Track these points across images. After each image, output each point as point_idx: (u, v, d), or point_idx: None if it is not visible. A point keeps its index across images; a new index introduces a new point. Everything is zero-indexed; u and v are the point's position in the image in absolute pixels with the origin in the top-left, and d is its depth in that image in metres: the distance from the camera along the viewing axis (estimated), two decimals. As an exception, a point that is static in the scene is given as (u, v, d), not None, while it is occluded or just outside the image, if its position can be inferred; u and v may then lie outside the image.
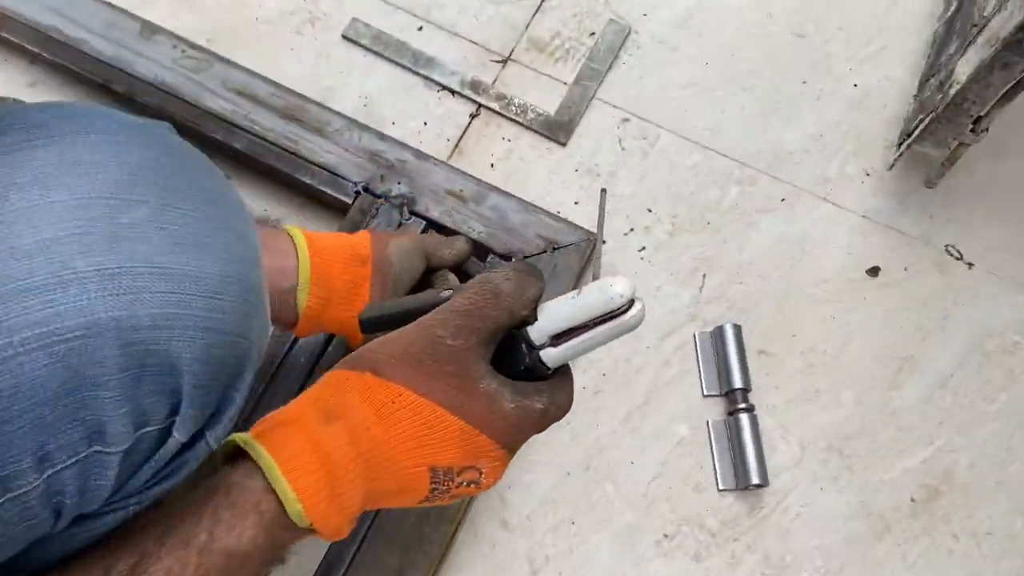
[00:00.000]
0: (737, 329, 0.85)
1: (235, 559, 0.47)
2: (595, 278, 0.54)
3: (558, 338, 0.53)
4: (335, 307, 0.68)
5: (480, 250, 0.82)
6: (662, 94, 0.97)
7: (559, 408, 0.56)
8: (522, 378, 0.54)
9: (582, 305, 0.53)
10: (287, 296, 0.66)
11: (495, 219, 0.84)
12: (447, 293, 0.55)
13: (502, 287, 0.53)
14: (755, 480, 0.79)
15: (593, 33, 1.00)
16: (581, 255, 0.83)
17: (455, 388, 0.52)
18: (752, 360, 0.85)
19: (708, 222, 0.91)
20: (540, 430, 0.55)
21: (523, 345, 0.54)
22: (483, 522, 0.77)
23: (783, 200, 0.93)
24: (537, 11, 1.00)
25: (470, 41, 0.98)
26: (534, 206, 0.85)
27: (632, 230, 0.90)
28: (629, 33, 1.00)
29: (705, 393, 0.84)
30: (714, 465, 0.81)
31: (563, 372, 0.57)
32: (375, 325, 0.60)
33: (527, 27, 0.99)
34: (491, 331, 0.53)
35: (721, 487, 0.80)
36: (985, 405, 0.85)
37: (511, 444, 0.54)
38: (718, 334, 0.85)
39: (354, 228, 0.82)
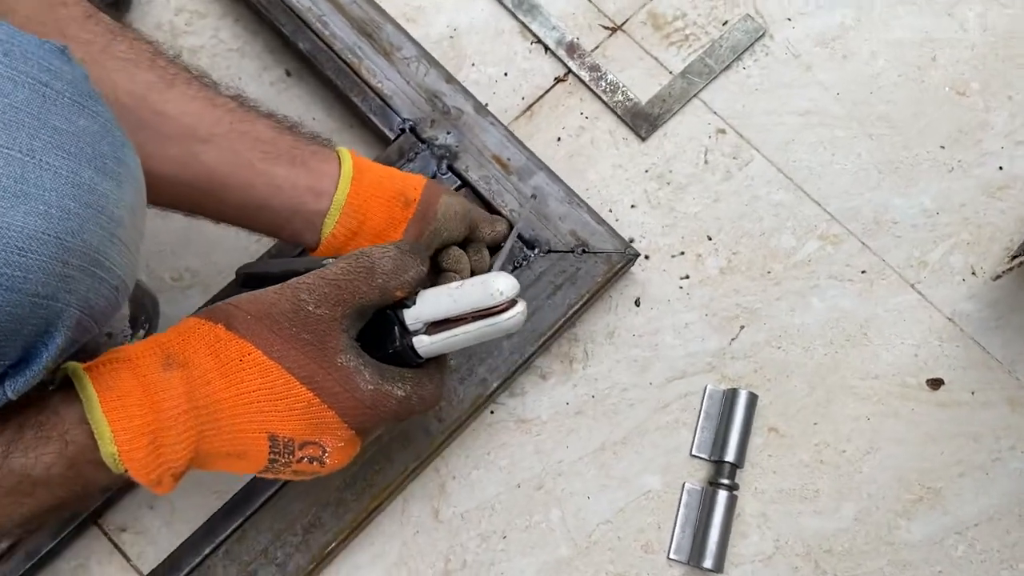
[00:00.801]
0: (752, 399, 0.77)
1: (26, 482, 0.46)
2: (490, 270, 0.52)
3: (434, 327, 0.53)
4: (362, 240, 0.65)
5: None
6: (773, 115, 0.86)
7: (422, 400, 0.54)
8: (390, 362, 0.53)
9: (461, 296, 0.53)
10: (314, 218, 0.63)
11: (532, 201, 0.77)
12: (328, 261, 0.53)
13: (379, 263, 0.52)
14: (708, 564, 0.72)
15: (726, 22, 0.89)
16: (609, 267, 0.76)
17: (309, 357, 0.50)
18: (759, 435, 0.77)
19: (769, 271, 0.82)
20: (398, 419, 0.53)
21: (396, 327, 0.53)
22: (416, 503, 0.74)
23: (863, 272, 0.82)
24: (671, -17, 0.90)
25: (585, -2, 0.90)
26: (579, 199, 0.78)
27: (682, 254, 0.82)
28: (762, 36, 0.88)
29: (693, 452, 0.77)
30: (673, 530, 0.75)
31: (437, 364, 0.56)
32: (252, 282, 0.57)
33: (652, -1, 0.90)
34: (359, 306, 0.52)
35: (672, 556, 0.74)
36: (1000, 568, 0.75)
37: (362, 426, 0.52)
38: (730, 396, 0.77)
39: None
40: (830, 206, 0.84)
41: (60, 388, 0.48)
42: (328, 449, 0.52)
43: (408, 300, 0.54)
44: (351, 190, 0.62)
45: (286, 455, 0.51)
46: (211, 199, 0.60)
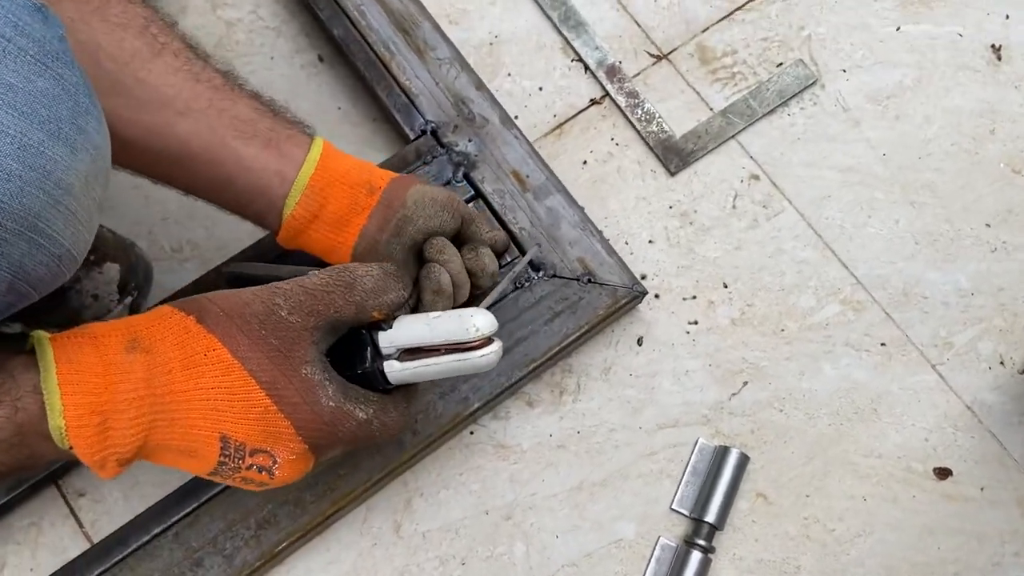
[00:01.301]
0: (744, 460, 0.73)
1: None
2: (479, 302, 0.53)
3: (407, 355, 0.53)
4: (322, 225, 0.63)
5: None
6: (812, 167, 0.83)
7: (384, 427, 0.53)
8: (357, 383, 0.52)
9: (437, 326, 0.53)
10: (277, 200, 0.62)
11: (545, 221, 0.75)
12: (312, 272, 0.53)
13: (360, 281, 0.52)
14: (670, 626, 0.69)
15: (780, 63, 0.85)
16: (614, 301, 0.73)
17: (273, 363, 0.49)
18: (745, 499, 0.74)
19: (783, 329, 0.78)
20: (355, 443, 0.52)
21: (368, 349, 0.52)
22: (379, 515, 0.72)
23: (883, 345, 0.78)
24: (725, 17, 0.87)
25: (634, 20, 0.87)
26: (594, 226, 0.75)
27: (695, 298, 0.79)
28: (813, 84, 0.85)
29: (673, 506, 0.73)
30: (640, 585, 0.71)
31: (404, 394, 0.55)
32: (237, 283, 0.57)
33: (704, 31, 0.87)
34: (332, 320, 0.51)
35: (635, 611, 0.71)
36: None
37: (316, 443, 0.51)
38: (721, 453, 0.73)
39: (403, 164, 0.76)
40: (858, 270, 0.80)
41: (23, 355, 0.48)
42: (279, 460, 0.50)
43: (384, 323, 0.53)
44: (314, 174, 0.61)
45: (236, 460, 0.50)
46: (180, 170, 0.60)
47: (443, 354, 0.53)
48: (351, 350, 0.53)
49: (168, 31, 0.58)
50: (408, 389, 0.56)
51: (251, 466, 0.51)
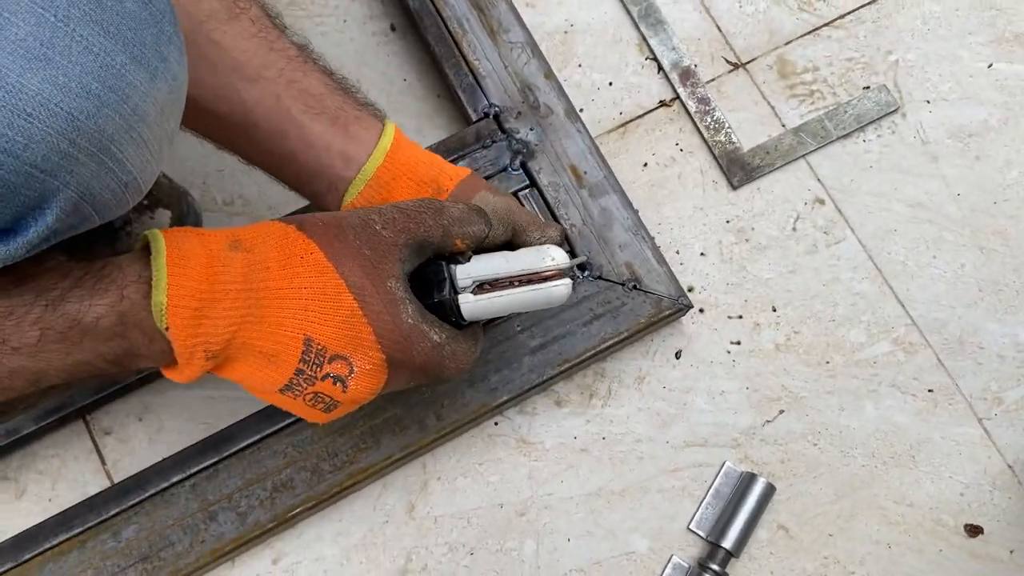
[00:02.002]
0: (769, 489, 0.72)
1: (75, 330, 0.48)
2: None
3: (480, 289, 0.54)
4: None
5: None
6: (881, 198, 0.80)
7: (454, 356, 0.54)
8: (431, 311, 0.54)
9: (513, 257, 0.55)
10: (339, 183, 0.62)
11: (597, 221, 0.74)
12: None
13: (448, 209, 0.54)
14: (671, 646, 0.68)
15: (868, 87, 0.83)
16: (657, 311, 0.72)
17: (364, 271, 0.51)
18: (766, 529, 0.72)
19: (828, 361, 0.76)
20: (425, 370, 0.54)
21: (446, 280, 0.54)
22: (394, 493, 0.72)
23: (930, 391, 0.76)
24: (811, 32, 0.85)
25: (716, 24, 0.85)
26: (646, 232, 0.74)
27: (740, 317, 0.77)
28: (894, 112, 0.82)
29: (691, 527, 0.72)
30: (646, 600, 0.70)
31: (474, 333, 0.57)
32: None
33: (787, 44, 0.84)
34: (421, 238, 0.53)
35: (637, 626, 0.70)
36: None
37: (393, 356, 0.52)
38: (747, 480, 0.72)
39: (461, 146, 0.75)
40: (915, 311, 0.78)
41: (131, 252, 0.51)
42: (355, 370, 0.52)
43: (462, 257, 0.55)
44: (383, 164, 0.60)
45: (314, 367, 0.51)
46: (243, 138, 0.60)
47: (517, 287, 0.54)
48: (426, 281, 0.55)
49: None
50: (476, 330, 0.58)
51: (327, 375, 0.52)
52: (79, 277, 0.48)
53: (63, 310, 0.47)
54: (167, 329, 0.48)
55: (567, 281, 0.55)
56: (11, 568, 0.66)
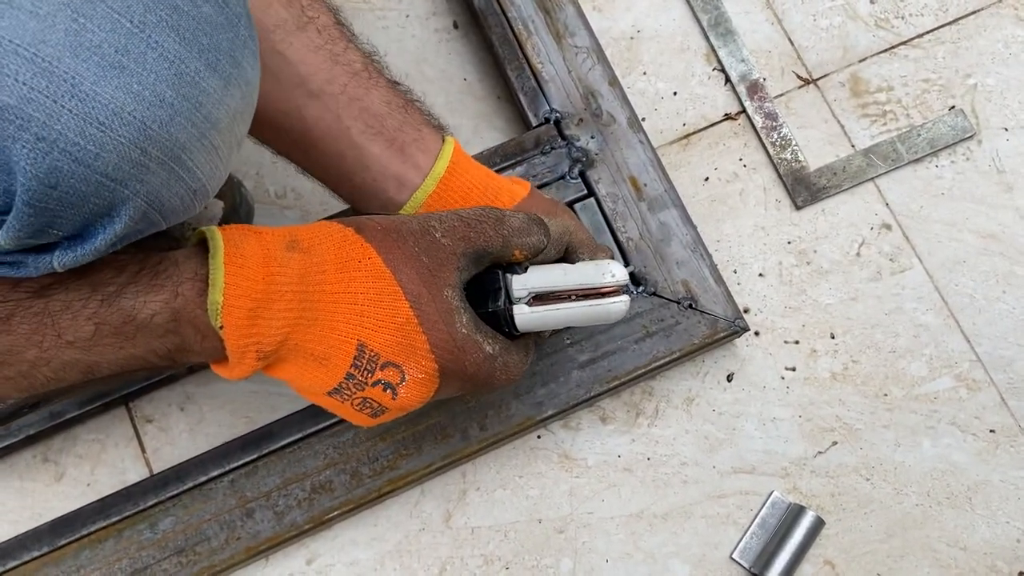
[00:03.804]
0: (818, 523, 0.70)
1: (129, 325, 0.48)
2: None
3: (536, 301, 0.54)
4: None
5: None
6: (951, 227, 0.78)
7: (506, 367, 0.54)
8: (484, 320, 0.54)
9: (571, 271, 0.54)
10: (390, 206, 0.62)
11: (655, 236, 0.72)
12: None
13: (508, 219, 0.54)
14: None
15: (952, 107, 0.80)
16: (712, 332, 0.71)
17: (421, 279, 0.51)
18: (812, 564, 0.71)
19: (886, 394, 0.74)
20: (477, 380, 0.53)
21: (502, 290, 0.54)
22: (432, 501, 0.71)
23: (992, 432, 0.73)
24: (887, 50, 0.82)
25: (788, 38, 0.83)
26: (705, 249, 0.72)
27: (797, 343, 0.75)
28: (970, 138, 0.80)
29: (734, 556, 0.71)
30: (683, 629, 0.69)
31: (527, 343, 0.56)
32: None
33: (861, 61, 0.82)
34: (480, 248, 0.52)
35: (673, 654, 0.69)
36: None
37: (446, 366, 0.52)
38: (795, 512, 0.70)
39: (519, 151, 0.74)
40: (980, 346, 0.75)
41: (187, 248, 0.51)
42: (407, 378, 0.51)
43: (519, 267, 0.55)
44: (435, 191, 0.60)
45: (365, 373, 0.51)
46: (300, 152, 0.61)
47: (574, 300, 0.54)
48: (483, 291, 0.54)
49: (317, 4, 0.58)
50: (529, 340, 0.57)
51: (378, 381, 0.51)
52: (135, 272, 0.48)
53: (118, 305, 0.47)
54: (221, 328, 0.48)
55: (625, 298, 0.54)
56: (48, 552, 0.66)
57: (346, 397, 0.53)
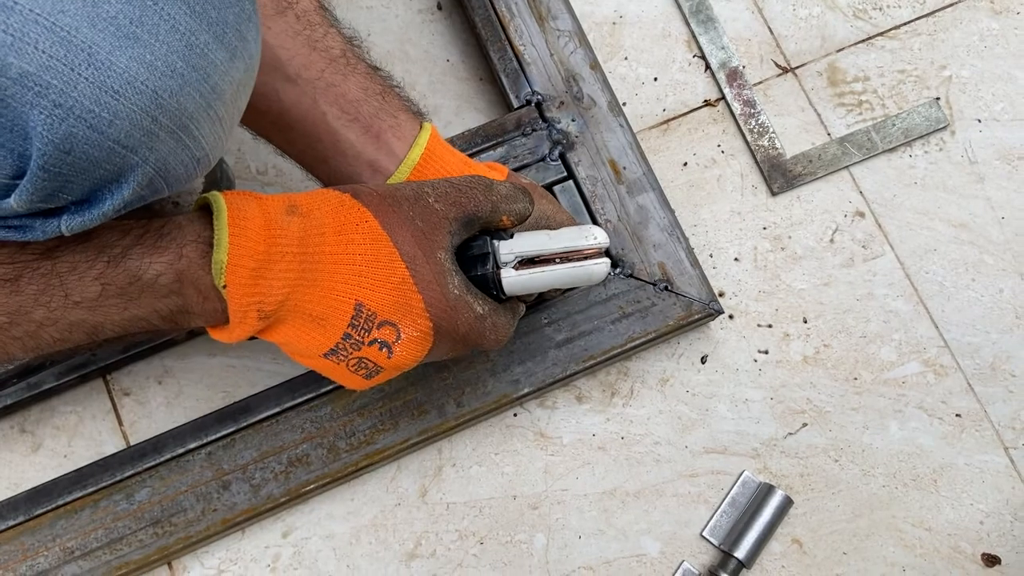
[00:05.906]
0: (787, 503, 0.72)
1: (135, 285, 0.50)
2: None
3: (522, 265, 0.56)
4: None
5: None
6: (923, 215, 0.80)
7: (493, 329, 0.56)
8: (474, 284, 0.56)
9: (556, 235, 0.57)
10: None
11: (633, 218, 0.74)
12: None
13: (497, 186, 0.57)
14: (675, 652, 0.68)
15: (914, 100, 0.82)
16: (687, 314, 0.72)
17: (416, 241, 0.53)
18: (780, 542, 0.73)
19: (856, 377, 0.76)
20: (467, 340, 0.55)
21: (490, 255, 0.56)
22: (408, 476, 0.73)
23: (958, 416, 0.76)
24: (865, 40, 0.84)
25: (768, 26, 0.84)
26: (682, 233, 0.74)
27: (770, 327, 0.77)
28: (943, 128, 0.82)
29: (704, 534, 0.73)
30: (653, 604, 0.71)
31: (513, 308, 0.59)
32: None
33: (839, 51, 0.84)
34: (470, 212, 0.55)
35: (642, 629, 0.71)
36: None
37: (439, 325, 0.54)
38: (764, 491, 0.72)
39: (501, 132, 0.75)
40: (948, 333, 0.78)
41: (189, 213, 0.52)
42: (402, 336, 0.53)
43: (506, 233, 0.57)
44: (408, 178, 0.62)
45: (362, 332, 0.53)
46: (277, 134, 0.62)
47: (557, 264, 0.56)
48: (472, 256, 0.57)
49: None
50: (515, 304, 0.60)
51: (374, 340, 0.53)
52: (139, 235, 0.50)
53: (124, 266, 0.49)
54: (225, 287, 0.50)
55: (607, 260, 0.57)
56: (23, 522, 0.67)
57: (342, 358, 0.54)
